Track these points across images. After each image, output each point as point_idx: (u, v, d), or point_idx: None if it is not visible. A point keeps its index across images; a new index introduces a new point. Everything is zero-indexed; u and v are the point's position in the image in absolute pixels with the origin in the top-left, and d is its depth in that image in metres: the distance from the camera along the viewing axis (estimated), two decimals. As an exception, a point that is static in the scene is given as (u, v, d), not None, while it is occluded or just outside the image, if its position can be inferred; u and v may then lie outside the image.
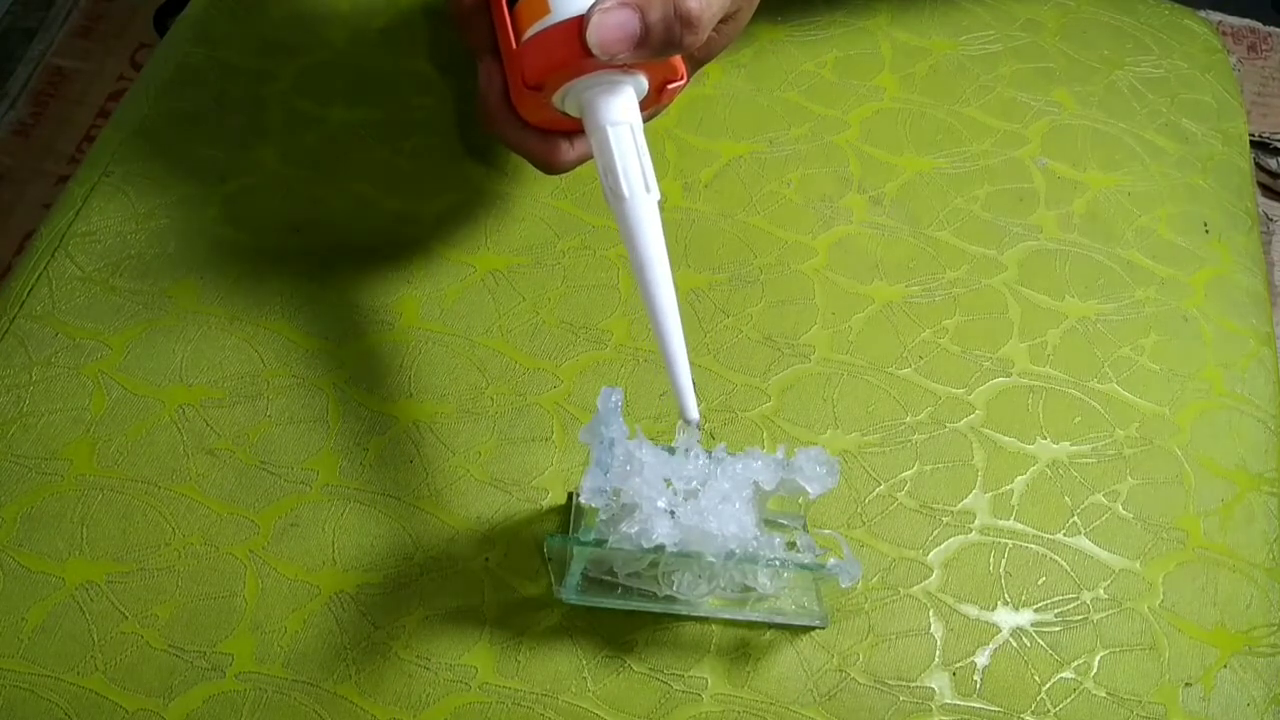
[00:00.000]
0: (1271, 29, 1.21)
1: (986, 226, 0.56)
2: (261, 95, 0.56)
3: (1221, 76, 0.64)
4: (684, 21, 0.38)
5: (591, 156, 0.43)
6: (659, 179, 0.40)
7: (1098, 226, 0.57)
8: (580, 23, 0.38)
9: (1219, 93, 0.63)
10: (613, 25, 0.37)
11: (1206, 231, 0.58)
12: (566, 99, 0.40)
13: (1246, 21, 1.22)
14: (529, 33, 0.40)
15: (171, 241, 0.51)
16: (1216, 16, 1.20)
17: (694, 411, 0.38)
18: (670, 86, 0.42)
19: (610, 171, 0.39)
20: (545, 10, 0.39)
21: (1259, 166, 1.10)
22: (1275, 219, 1.10)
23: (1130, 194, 0.58)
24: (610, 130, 0.39)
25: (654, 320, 0.38)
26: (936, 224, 0.56)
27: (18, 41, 1.12)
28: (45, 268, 0.50)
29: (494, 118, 0.43)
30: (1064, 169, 0.59)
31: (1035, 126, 0.60)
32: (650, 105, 0.42)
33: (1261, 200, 1.10)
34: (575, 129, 0.43)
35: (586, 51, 0.38)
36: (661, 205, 0.39)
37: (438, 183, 0.54)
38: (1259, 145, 1.09)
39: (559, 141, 0.43)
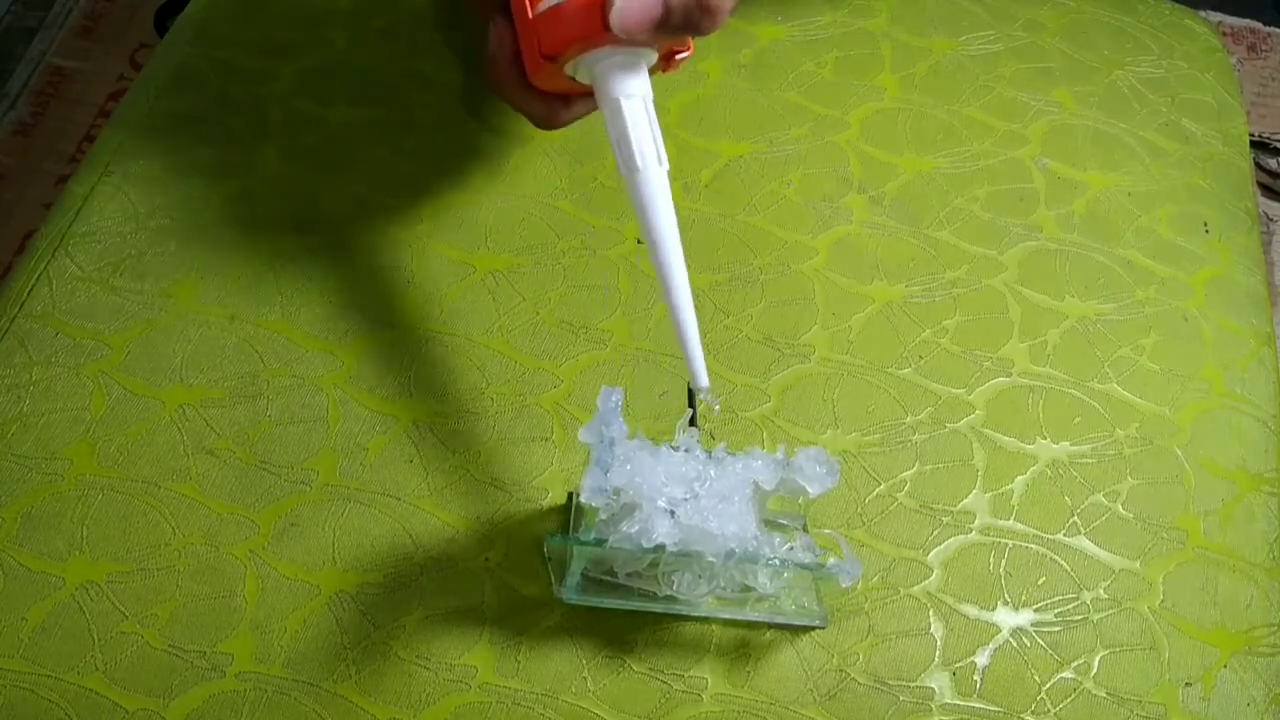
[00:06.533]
0: (1271, 29, 1.21)
1: (986, 226, 0.56)
2: (261, 95, 0.56)
3: (1221, 76, 0.64)
4: (703, 8, 0.39)
5: (586, 114, 0.46)
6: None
7: (1098, 226, 0.57)
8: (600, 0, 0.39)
9: (1219, 93, 0.63)
10: (636, 8, 0.39)
11: (1206, 231, 0.58)
12: (578, 68, 0.42)
13: (1246, 21, 1.22)
14: (545, 2, 0.41)
15: (171, 241, 0.51)
16: (1216, 16, 1.20)
17: (704, 378, 0.40)
18: (678, 57, 0.43)
19: (624, 143, 0.40)
20: None
21: (1259, 166, 1.10)
22: (1275, 219, 1.10)
23: (1130, 194, 0.58)
24: (624, 103, 0.40)
25: (665, 289, 0.40)
26: (936, 224, 0.56)
27: (18, 41, 1.12)
28: (45, 268, 0.50)
29: (502, 80, 0.44)
30: (1064, 169, 0.59)
31: (1035, 126, 0.60)
32: (657, 73, 0.44)
33: (1261, 200, 1.10)
34: (578, 92, 0.45)
35: (606, 28, 0.39)
36: (670, 176, 0.40)
37: (438, 183, 0.54)
38: (1259, 145, 1.09)
39: (558, 102, 0.45)
